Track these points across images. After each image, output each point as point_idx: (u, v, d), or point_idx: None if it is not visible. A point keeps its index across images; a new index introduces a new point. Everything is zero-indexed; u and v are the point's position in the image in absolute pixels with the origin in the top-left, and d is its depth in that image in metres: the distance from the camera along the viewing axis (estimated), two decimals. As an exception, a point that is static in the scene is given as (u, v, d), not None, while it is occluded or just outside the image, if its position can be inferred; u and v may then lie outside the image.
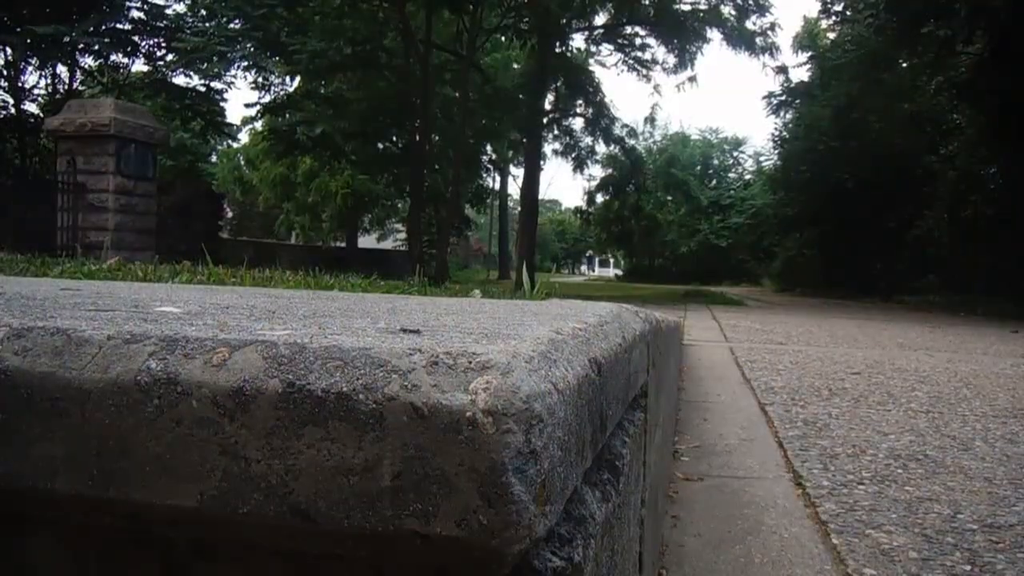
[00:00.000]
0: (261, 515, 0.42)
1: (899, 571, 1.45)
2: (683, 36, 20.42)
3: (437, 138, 20.58)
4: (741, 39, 20.30)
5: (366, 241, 33.80)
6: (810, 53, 25.76)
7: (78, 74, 17.28)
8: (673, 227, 41.46)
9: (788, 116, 26.29)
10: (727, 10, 20.10)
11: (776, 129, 28.03)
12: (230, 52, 16.29)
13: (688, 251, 40.59)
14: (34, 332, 0.47)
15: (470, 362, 0.43)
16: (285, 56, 17.13)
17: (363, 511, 0.41)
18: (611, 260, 63.90)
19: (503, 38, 22.01)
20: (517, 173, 33.22)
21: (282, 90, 20.75)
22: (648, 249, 41.98)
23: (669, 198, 42.30)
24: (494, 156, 27.01)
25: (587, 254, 70.60)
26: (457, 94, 19.15)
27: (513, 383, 0.42)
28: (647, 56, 22.84)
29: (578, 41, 24.38)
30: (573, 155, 24.87)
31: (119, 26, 16.16)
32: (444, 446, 0.40)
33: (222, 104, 18.45)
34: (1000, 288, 14.96)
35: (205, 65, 16.38)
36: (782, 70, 22.82)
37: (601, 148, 25.51)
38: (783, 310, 13.02)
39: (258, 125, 24.84)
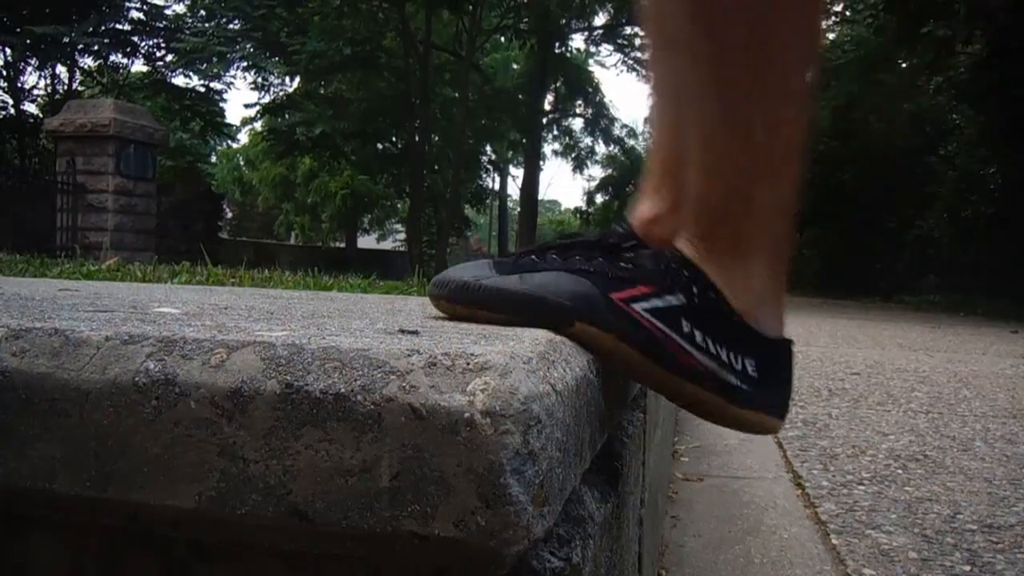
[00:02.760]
0: (259, 516, 0.42)
1: (899, 571, 1.45)
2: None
3: (437, 138, 20.59)
4: (741, 39, 20.24)
5: (366, 241, 33.80)
6: (810, 53, 25.67)
7: (77, 74, 17.29)
8: (673, 227, 41.31)
9: (788, 116, 26.21)
10: (727, 10, 20.08)
11: (776, 129, 27.96)
12: (230, 53, 16.32)
13: (688, 251, 40.45)
14: (32, 333, 0.47)
15: (468, 363, 0.43)
16: (285, 56, 17.15)
17: (361, 512, 0.41)
18: (611, 260, 63.52)
19: (503, 38, 22.04)
20: (517, 174, 33.24)
21: (281, 90, 20.78)
22: (648, 249, 41.74)
23: (669, 198, 42.17)
24: (494, 156, 27.02)
25: (587, 254, 70.27)
26: (457, 94, 19.15)
27: (511, 384, 0.42)
28: (647, 56, 22.82)
29: (578, 41, 24.45)
30: (573, 155, 24.93)
31: (119, 27, 16.18)
32: (442, 447, 0.40)
33: (221, 104, 18.51)
34: (1000, 288, 14.96)
35: (204, 66, 16.41)
36: (782, 70, 22.79)
37: (601, 148, 25.57)
38: (783, 310, 13.01)
39: (258, 125, 24.89)
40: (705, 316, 0.69)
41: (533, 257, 0.73)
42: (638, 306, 0.68)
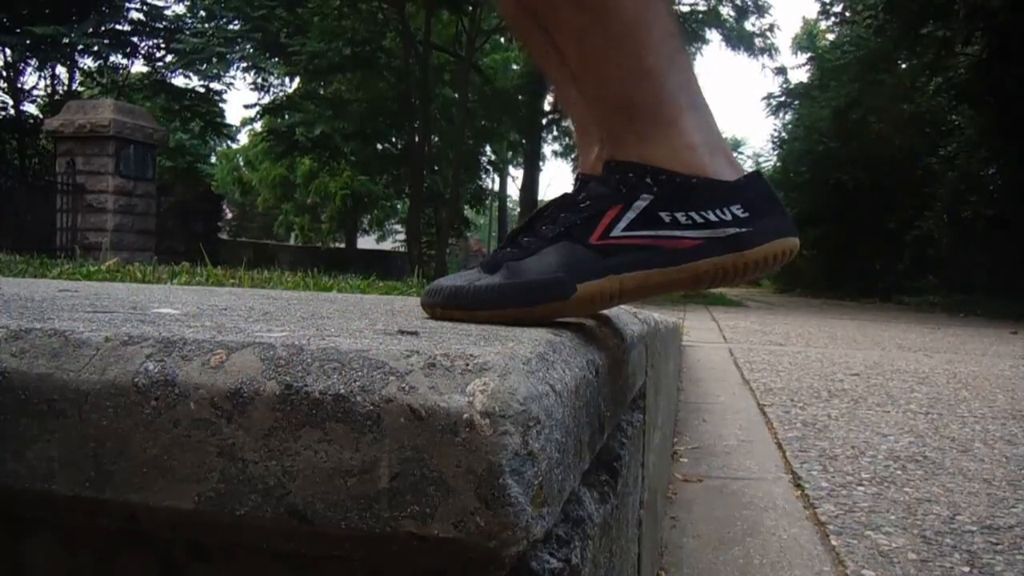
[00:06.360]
0: (259, 516, 0.42)
1: (898, 572, 1.45)
2: (682, 37, 20.41)
3: (436, 139, 20.57)
4: (740, 40, 20.34)
5: (365, 242, 33.76)
6: (809, 54, 25.81)
7: (77, 75, 17.30)
8: (672, 228, 41.28)
9: (787, 117, 26.30)
10: (726, 11, 20.14)
11: (775, 130, 28.07)
12: (229, 53, 16.31)
13: (687, 252, 40.42)
14: (32, 333, 0.47)
15: (467, 364, 0.43)
16: (284, 57, 17.13)
17: (360, 513, 0.41)
18: (610, 261, 63.55)
19: (502, 39, 22.01)
20: (516, 174, 33.23)
21: (281, 91, 20.76)
22: (647, 250, 41.72)
23: (668, 199, 42.17)
24: (493, 157, 27.00)
25: (587, 255, 70.27)
26: (456, 95, 19.14)
27: (511, 385, 0.42)
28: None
29: (578, 42, 24.36)
30: (572, 156, 24.89)
31: (118, 27, 16.18)
32: (441, 448, 0.40)
33: (221, 105, 18.49)
34: (1000, 288, 14.97)
35: (204, 66, 16.39)
36: (781, 71, 22.98)
37: (600, 149, 25.49)
38: (782, 311, 13.02)
39: (257, 126, 24.86)
40: (675, 197, 0.70)
41: (508, 249, 0.74)
42: (617, 231, 0.70)
